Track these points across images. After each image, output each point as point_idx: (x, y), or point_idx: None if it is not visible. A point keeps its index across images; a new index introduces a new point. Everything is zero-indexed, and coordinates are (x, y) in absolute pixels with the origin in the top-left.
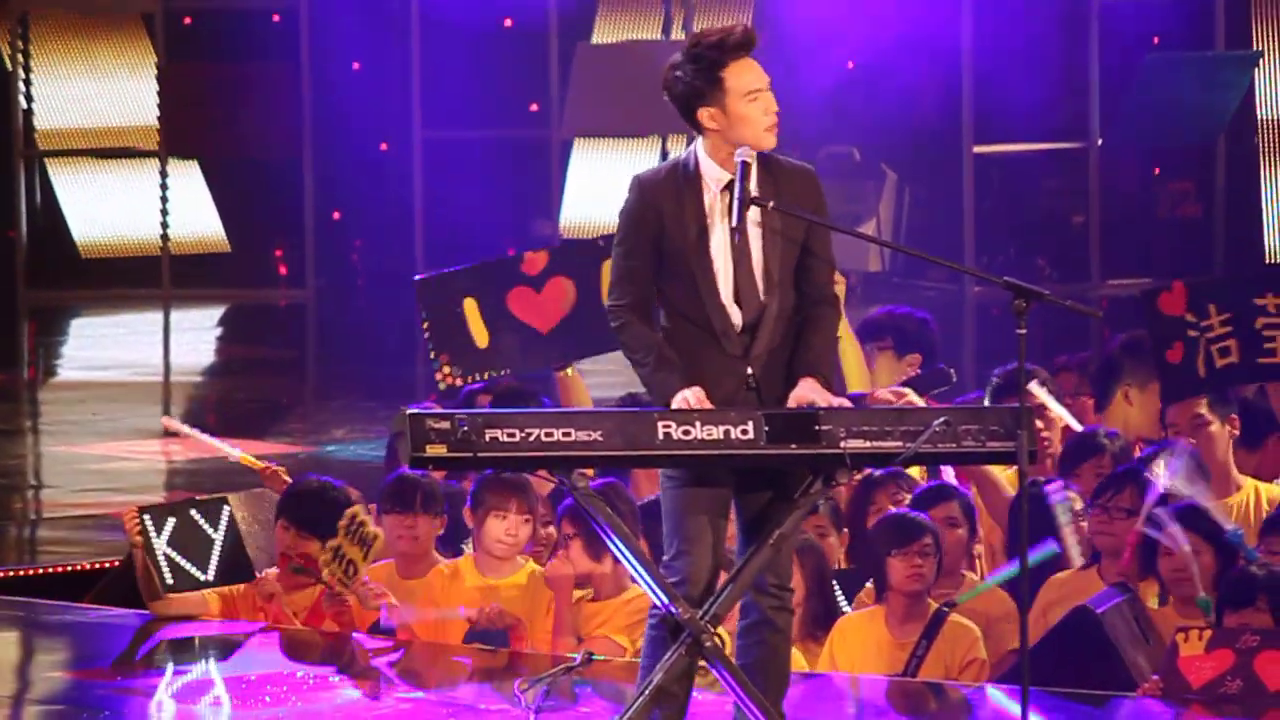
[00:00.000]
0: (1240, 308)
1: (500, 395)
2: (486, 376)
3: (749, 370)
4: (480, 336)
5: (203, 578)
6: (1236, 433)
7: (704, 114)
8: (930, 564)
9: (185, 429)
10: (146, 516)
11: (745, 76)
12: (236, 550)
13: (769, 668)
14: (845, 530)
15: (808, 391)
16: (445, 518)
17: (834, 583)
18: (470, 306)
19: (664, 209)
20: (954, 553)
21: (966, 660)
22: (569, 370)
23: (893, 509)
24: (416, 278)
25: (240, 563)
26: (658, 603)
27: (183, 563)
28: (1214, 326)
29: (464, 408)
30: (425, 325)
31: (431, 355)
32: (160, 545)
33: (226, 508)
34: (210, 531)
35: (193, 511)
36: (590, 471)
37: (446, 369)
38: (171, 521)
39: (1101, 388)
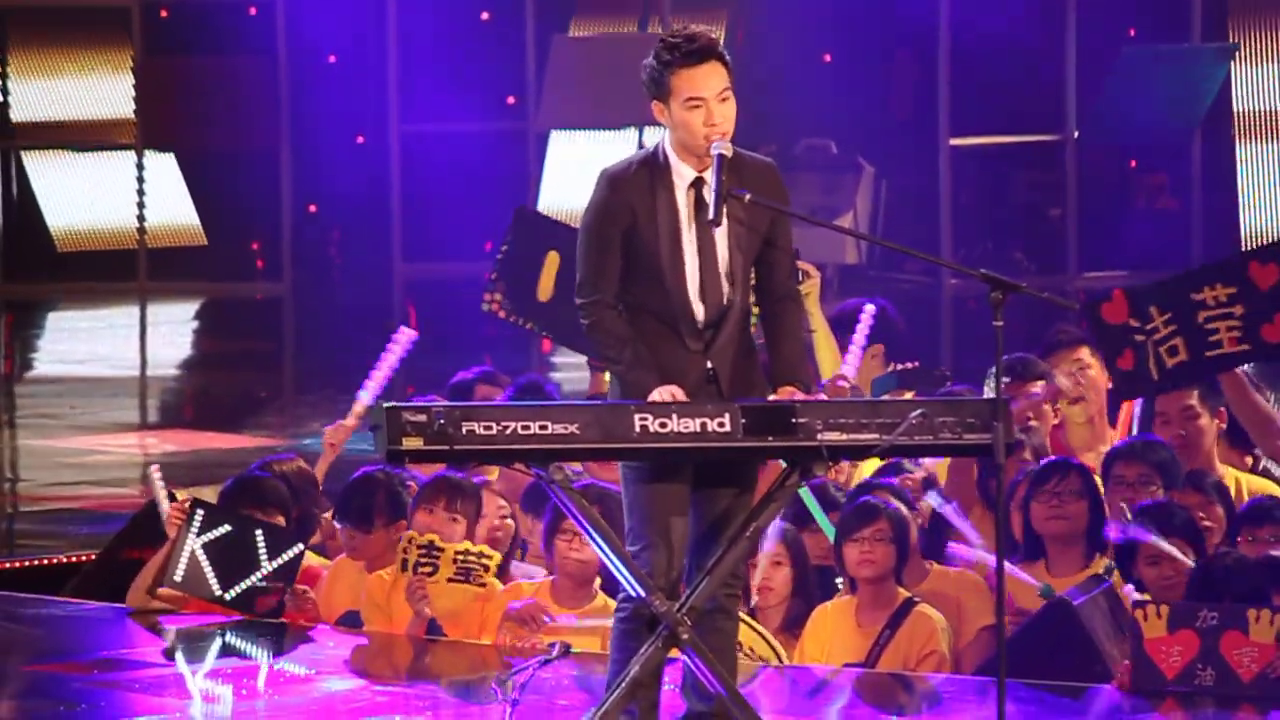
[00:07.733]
0: (1180, 306)
1: (522, 390)
2: (528, 326)
3: (709, 364)
4: (545, 290)
5: (216, 593)
6: (1224, 425)
7: (655, 107)
8: (882, 549)
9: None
10: (200, 511)
11: (692, 83)
12: (274, 589)
13: (724, 653)
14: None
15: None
16: (403, 522)
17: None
18: (552, 259)
19: (636, 205)
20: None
21: (925, 652)
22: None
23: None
24: (519, 207)
25: (263, 597)
26: (632, 594)
27: (206, 571)
28: (1159, 328)
29: (456, 398)
30: (502, 249)
31: (491, 276)
32: (193, 543)
33: (299, 547)
34: (264, 558)
35: (258, 532)
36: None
37: (498, 297)
38: (224, 528)
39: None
